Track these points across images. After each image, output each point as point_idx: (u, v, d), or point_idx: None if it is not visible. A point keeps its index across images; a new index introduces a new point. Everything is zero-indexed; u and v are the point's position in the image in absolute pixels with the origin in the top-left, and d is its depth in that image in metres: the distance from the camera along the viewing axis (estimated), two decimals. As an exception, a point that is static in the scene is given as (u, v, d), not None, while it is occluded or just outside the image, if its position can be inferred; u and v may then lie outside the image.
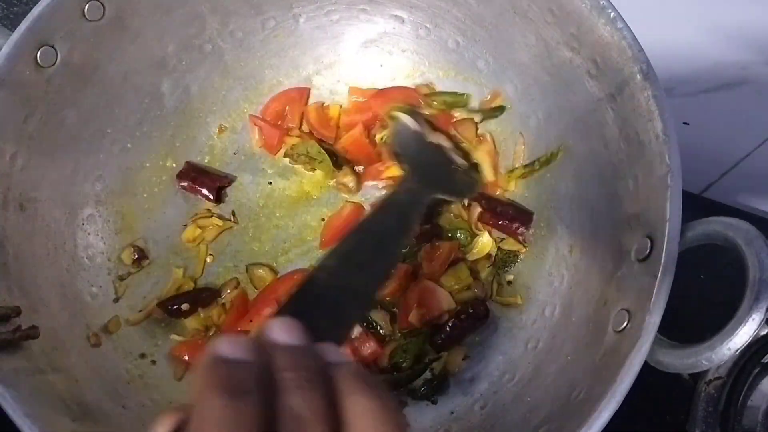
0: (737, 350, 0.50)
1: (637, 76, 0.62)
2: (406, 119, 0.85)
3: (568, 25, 0.70)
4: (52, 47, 0.73)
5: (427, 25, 0.88)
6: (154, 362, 0.80)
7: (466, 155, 0.86)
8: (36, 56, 0.72)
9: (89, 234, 0.82)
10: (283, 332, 0.41)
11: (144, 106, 0.87)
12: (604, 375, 0.56)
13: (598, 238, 0.70)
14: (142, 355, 0.80)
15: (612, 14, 0.65)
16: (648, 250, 0.58)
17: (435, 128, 0.87)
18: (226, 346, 0.38)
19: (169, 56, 0.86)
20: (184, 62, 0.88)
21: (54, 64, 0.74)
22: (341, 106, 0.93)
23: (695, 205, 0.57)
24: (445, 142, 0.85)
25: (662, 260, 0.55)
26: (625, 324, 0.58)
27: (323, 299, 0.51)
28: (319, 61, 0.93)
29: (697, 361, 0.52)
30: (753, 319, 0.49)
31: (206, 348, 0.39)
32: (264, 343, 0.41)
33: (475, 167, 0.86)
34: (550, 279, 0.77)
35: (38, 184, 0.76)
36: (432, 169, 0.80)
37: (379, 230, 0.62)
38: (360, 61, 0.93)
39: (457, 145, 0.86)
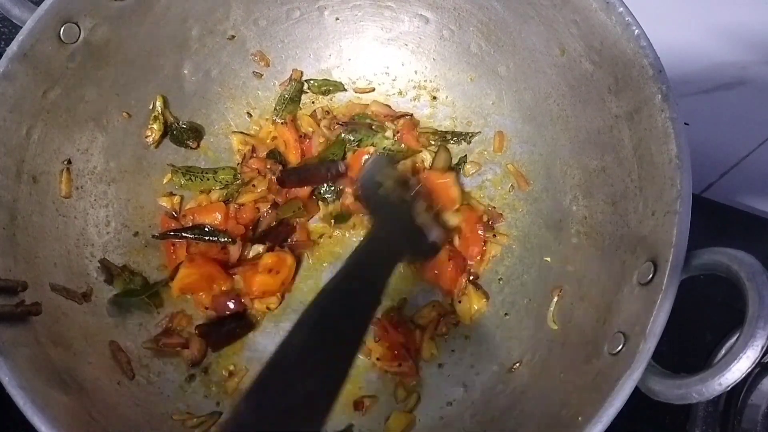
0: (729, 386, 0.49)
1: (657, 96, 0.62)
2: (376, 165, 0.84)
3: (591, 39, 0.69)
4: (76, 24, 0.74)
5: (452, 27, 0.87)
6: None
7: (439, 215, 0.84)
8: (59, 32, 0.72)
9: (100, 210, 0.82)
10: None
11: (164, 87, 0.87)
12: (594, 397, 0.56)
13: (603, 258, 0.69)
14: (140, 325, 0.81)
15: (636, 32, 0.64)
16: (651, 275, 0.58)
17: (407, 181, 0.85)
18: None
19: (193, 39, 0.87)
20: (206, 46, 0.88)
21: (77, 41, 0.75)
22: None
23: (695, 206, 0.56)
24: (416, 203, 0.81)
25: (663, 286, 0.55)
26: (620, 347, 0.58)
27: (291, 386, 0.51)
28: (340, 55, 0.93)
29: (687, 393, 0.51)
30: (747, 357, 0.48)
31: None
32: None
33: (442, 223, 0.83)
34: (552, 293, 0.76)
35: (52, 158, 0.77)
36: (396, 227, 0.77)
37: (345, 300, 0.61)
38: (381, 58, 0.93)
39: (430, 206, 0.83)
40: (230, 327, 0.83)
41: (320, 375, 0.53)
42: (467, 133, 0.90)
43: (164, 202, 0.88)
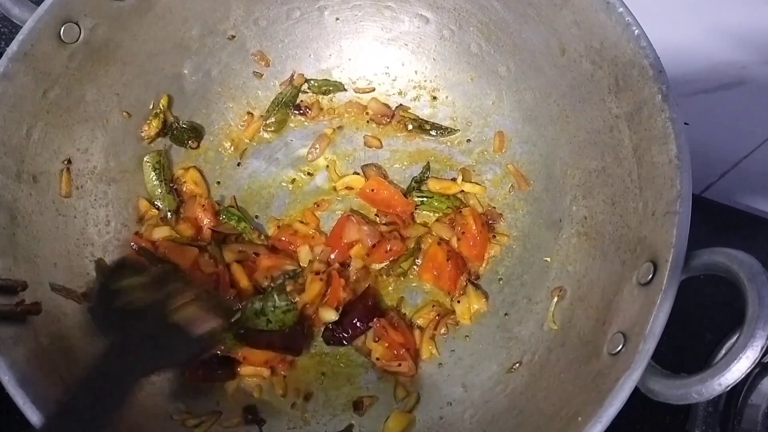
0: (728, 386, 0.49)
1: (657, 97, 0.62)
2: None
3: (592, 39, 0.69)
4: (76, 24, 0.74)
5: (452, 27, 0.87)
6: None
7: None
8: (59, 32, 0.73)
9: (100, 209, 0.83)
10: None
11: (164, 87, 0.87)
12: (593, 397, 0.56)
13: (603, 258, 0.69)
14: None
15: (636, 32, 0.64)
16: (650, 275, 0.57)
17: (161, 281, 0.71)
18: None
19: (193, 40, 0.87)
20: (206, 47, 0.88)
21: (77, 40, 0.75)
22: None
23: (695, 206, 0.56)
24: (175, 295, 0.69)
25: (663, 287, 0.55)
26: (620, 347, 0.58)
27: None
28: (340, 55, 0.93)
29: (687, 393, 0.51)
30: (747, 357, 0.48)
31: None
32: None
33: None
34: (552, 294, 0.76)
35: (52, 158, 0.77)
36: (144, 337, 0.66)
37: None
38: (381, 58, 0.93)
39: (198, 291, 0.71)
40: (213, 367, 0.79)
41: None
42: (447, 128, 0.91)
43: (143, 206, 0.87)
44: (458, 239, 0.85)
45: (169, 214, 0.87)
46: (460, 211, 0.86)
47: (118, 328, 0.66)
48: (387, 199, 0.88)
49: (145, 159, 0.87)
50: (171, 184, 0.89)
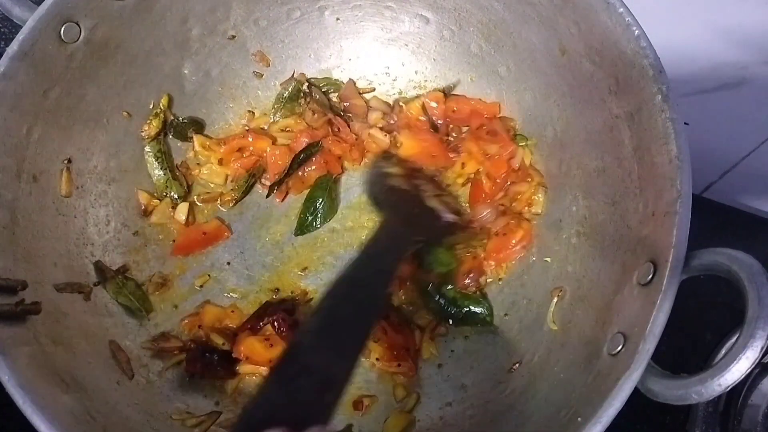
0: (728, 387, 0.49)
1: (657, 97, 0.62)
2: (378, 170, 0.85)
3: (592, 39, 0.69)
4: (76, 23, 0.74)
5: (452, 27, 0.87)
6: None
7: (450, 198, 0.85)
8: (60, 31, 0.72)
9: (100, 209, 0.83)
10: None
11: (164, 87, 0.87)
12: (593, 398, 0.56)
13: (603, 258, 0.69)
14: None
15: (636, 32, 0.64)
16: (650, 276, 0.57)
17: (413, 174, 0.85)
18: None
19: (193, 39, 0.87)
20: (207, 47, 0.88)
21: (77, 40, 0.75)
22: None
23: (695, 206, 0.56)
24: (424, 187, 0.84)
25: (663, 287, 0.55)
26: (619, 348, 0.58)
27: (308, 370, 0.51)
28: (340, 55, 0.93)
29: (686, 393, 0.51)
30: (746, 357, 0.48)
31: None
32: None
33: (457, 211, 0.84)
34: (551, 294, 0.76)
35: (53, 157, 0.77)
36: (409, 215, 0.78)
37: (361, 281, 0.63)
38: (382, 58, 0.93)
39: (440, 188, 0.85)
40: (213, 363, 0.79)
41: (331, 367, 0.54)
42: None
43: (143, 198, 0.87)
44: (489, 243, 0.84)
45: (177, 198, 0.88)
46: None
47: (388, 201, 0.80)
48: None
49: (145, 149, 0.87)
50: (176, 172, 0.89)
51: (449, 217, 0.81)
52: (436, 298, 0.82)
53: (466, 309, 0.82)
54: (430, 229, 0.79)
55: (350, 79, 0.93)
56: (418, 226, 0.77)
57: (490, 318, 0.81)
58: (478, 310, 0.81)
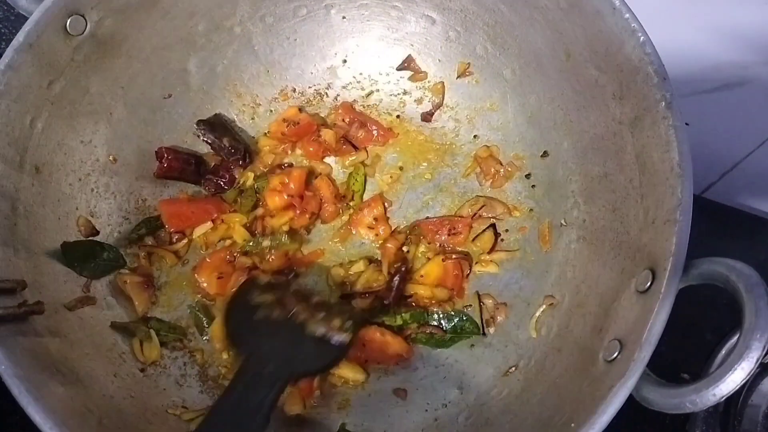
0: (723, 397, 0.49)
1: (661, 104, 0.61)
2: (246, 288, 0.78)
3: (597, 44, 0.69)
4: (82, 16, 0.74)
5: (458, 29, 0.87)
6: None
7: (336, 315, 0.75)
8: (65, 24, 0.73)
9: (101, 202, 0.83)
10: None
11: (169, 81, 0.87)
12: (588, 404, 0.56)
13: (603, 264, 0.69)
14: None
15: (642, 38, 0.64)
16: (649, 283, 0.57)
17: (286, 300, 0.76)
18: None
19: (199, 35, 0.87)
20: (212, 42, 0.88)
21: (83, 33, 0.75)
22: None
23: (695, 206, 0.56)
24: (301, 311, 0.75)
25: (661, 295, 0.55)
26: (616, 354, 0.58)
27: None
28: (345, 54, 0.93)
29: (681, 402, 0.51)
30: (742, 368, 0.48)
31: None
32: None
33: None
34: (543, 300, 0.77)
35: (55, 149, 0.77)
36: (284, 348, 0.70)
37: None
38: (387, 57, 0.93)
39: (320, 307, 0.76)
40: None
41: None
42: None
43: None
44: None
45: None
46: None
47: (253, 341, 0.71)
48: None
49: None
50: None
51: (338, 339, 0.72)
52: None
53: (453, 325, 0.81)
54: (316, 359, 0.72)
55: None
56: (298, 359, 0.70)
57: (477, 329, 0.80)
58: (465, 325, 0.81)
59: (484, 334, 0.80)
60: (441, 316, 0.82)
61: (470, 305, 0.83)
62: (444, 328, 0.81)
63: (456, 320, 0.81)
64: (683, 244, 0.56)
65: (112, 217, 0.84)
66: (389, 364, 0.80)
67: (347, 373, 0.79)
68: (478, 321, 0.81)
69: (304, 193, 0.87)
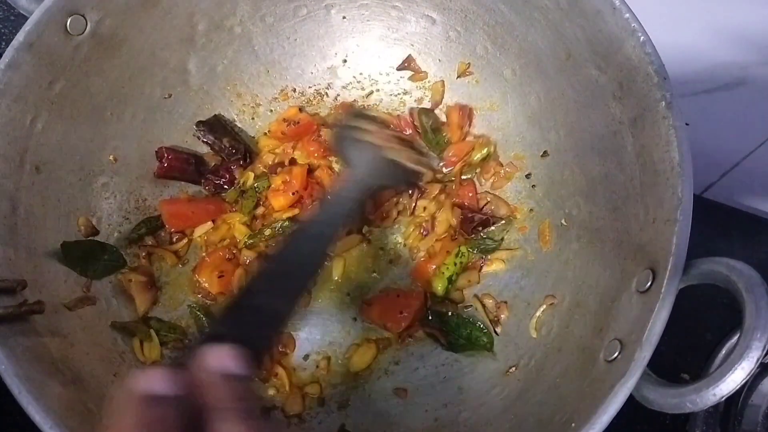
0: (723, 397, 0.49)
1: (661, 104, 0.61)
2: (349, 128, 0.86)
3: (597, 44, 0.69)
4: (83, 16, 0.74)
5: (458, 29, 0.87)
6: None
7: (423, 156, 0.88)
8: (66, 23, 0.73)
9: (101, 202, 0.83)
10: (224, 361, 0.43)
11: (169, 81, 0.88)
12: (588, 404, 0.56)
13: (603, 264, 0.69)
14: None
15: (642, 38, 0.64)
16: (649, 283, 0.57)
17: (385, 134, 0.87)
18: (149, 381, 0.38)
19: (199, 35, 0.87)
20: (212, 42, 0.88)
21: (83, 32, 0.75)
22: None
23: (695, 206, 0.56)
24: (395, 144, 0.86)
25: (661, 295, 0.55)
26: (616, 354, 0.58)
27: (255, 309, 0.57)
28: (345, 54, 0.93)
29: (681, 402, 0.51)
30: (742, 368, 0.48)
31: (127, 382, 0.39)
32: (195, 372, 0.41)
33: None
34: (544, 300, 0.77)
35: (56, 149, 0.77)
36: (373, 162, 0.82)
37: (313, 232, 0.69)
38: (387, 57, 0.93)
39: (412, 148, 0.87)
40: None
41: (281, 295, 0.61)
42: None
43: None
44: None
45: None
46: None
47: (354, 150, 0.83)
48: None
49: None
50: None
51: (415, 167, 0.84)
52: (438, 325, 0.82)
53: (467, 333, 0.81)
54: (391, 177, 0.84)
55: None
56: (379, 173, 0.81)
57: (490, 345, 0.80)
58: (480, 336, 0.80)
59: (496, 333, 0.80)
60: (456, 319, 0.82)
61: (470, 305, 0.83)
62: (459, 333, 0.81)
63: (471, 329, 0.81)
64: (683, 243, 0.55)
65: (112, 217, 0.84)
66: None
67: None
68: (488, 323, 0.81)
69: (308, 186, 0.88)
